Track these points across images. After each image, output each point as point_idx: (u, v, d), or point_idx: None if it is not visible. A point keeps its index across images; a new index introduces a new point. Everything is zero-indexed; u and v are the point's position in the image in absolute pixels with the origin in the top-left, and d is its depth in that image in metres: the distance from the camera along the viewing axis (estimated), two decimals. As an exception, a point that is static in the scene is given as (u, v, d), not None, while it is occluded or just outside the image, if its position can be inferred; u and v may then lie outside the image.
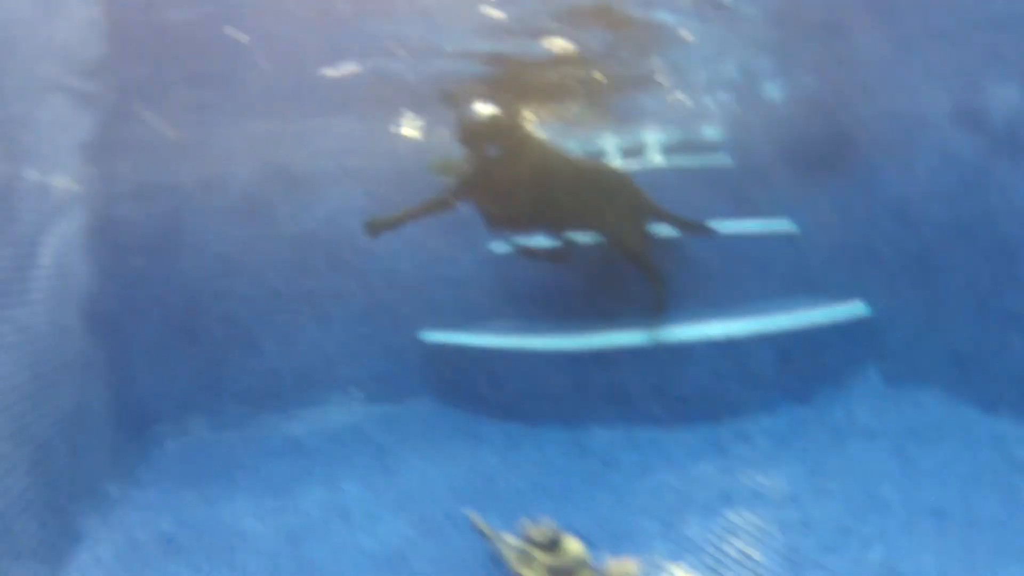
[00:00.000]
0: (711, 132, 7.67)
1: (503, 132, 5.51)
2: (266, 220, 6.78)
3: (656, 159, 7.57)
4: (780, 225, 6.59)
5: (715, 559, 3.67)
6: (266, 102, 6.26)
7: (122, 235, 6.15)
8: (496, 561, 3.67)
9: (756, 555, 3.68)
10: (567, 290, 6.39)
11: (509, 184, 5.52)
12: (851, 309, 5.74)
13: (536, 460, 5.04)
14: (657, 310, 5.49)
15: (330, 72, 5.70)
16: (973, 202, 4.97)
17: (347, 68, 5.66)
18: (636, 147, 7.74)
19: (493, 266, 6.96)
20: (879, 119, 5.76)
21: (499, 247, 6.72)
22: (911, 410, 5.14)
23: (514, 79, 5.87)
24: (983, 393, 4.91)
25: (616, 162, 7.65)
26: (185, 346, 6.44)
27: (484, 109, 5.53)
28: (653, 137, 7.61)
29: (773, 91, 7.16)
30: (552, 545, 3.33)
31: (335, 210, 6.88)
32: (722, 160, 7.43)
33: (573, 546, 3.29)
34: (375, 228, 5.45)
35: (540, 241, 6.23)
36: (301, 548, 4.02)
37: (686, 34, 5.76)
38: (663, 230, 5.91)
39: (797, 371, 5.46)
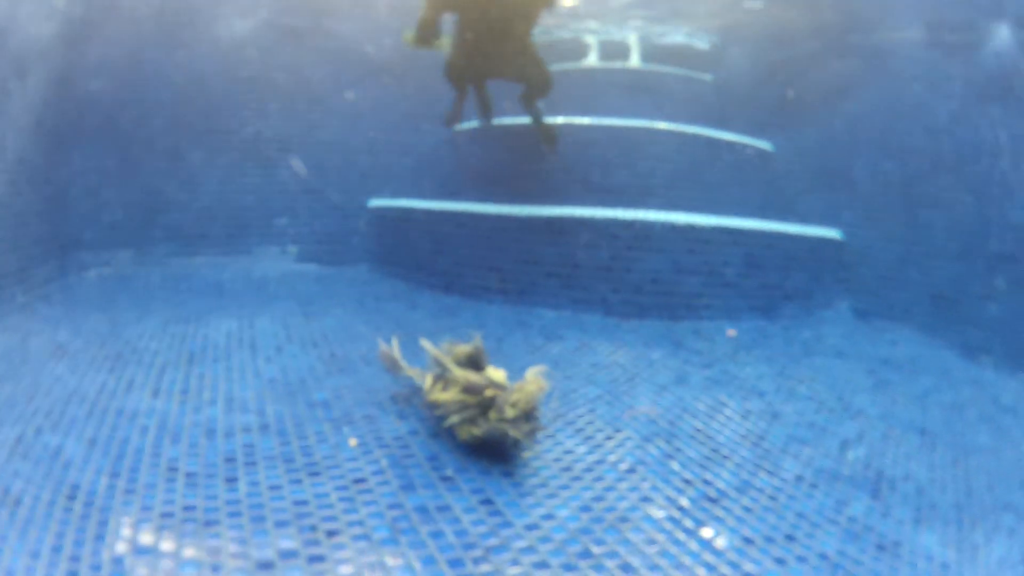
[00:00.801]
0: (699, 42, 7.15)
1: None
2: (233, 61, 6.31)
3: (635, 62, 7.02)
4: (757, 143, 6.08)
5: (667, 432, 3.04)
6: None
7: (84, 53, 5.68)
8: (404, 397, 3.07)
9: (716, 435, 3.07)
10: (530, 171, 5.80)
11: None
12: (824, 231, 5.24)
13: (471, 326, 4.38)
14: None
15: None
16: (962, 137, 4.58)
17: None
18: (621, 48, 7.23)
19: (453, 146, 6.35)
20: (864, 48, 5.44)
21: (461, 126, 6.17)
22: (884, 344, 4.65)
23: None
24: (964, 337, 4.49)
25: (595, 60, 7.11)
26: (126, 176, 5.91)
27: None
28: (635, 39, 7.05)
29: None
30: (471, 362, 2.71)
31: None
32: (702, 74, 6.93)
33: (494, 370, 2.66)
34: (450, 120, 5.89)
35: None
36: (194, 367, 3.44)
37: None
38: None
39: (764, 284, 4.91)
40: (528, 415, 2.47)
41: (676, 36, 6.98)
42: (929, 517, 2.55)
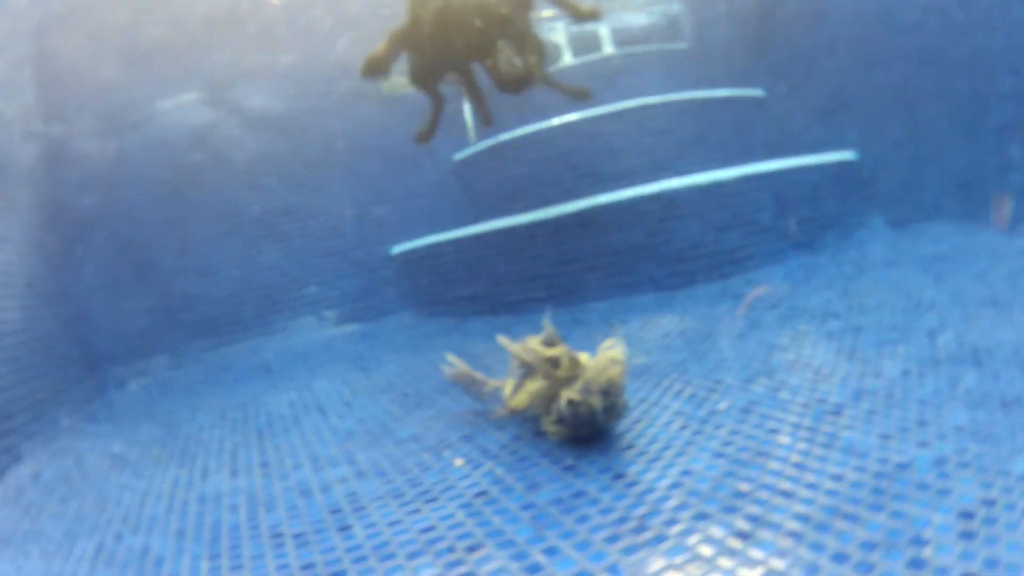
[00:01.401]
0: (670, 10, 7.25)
1: None
2: (215, 144, 6.42)
3: (608, 49, 7.13)
4: (748, 91, 6.17)
5: (764, 370, 3.10)
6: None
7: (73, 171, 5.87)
8: (494, 412, 3.07)
9: (811, 360, 3.14)
10: (538, 181, 5.88)
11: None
12: (839, 155, 5.32)
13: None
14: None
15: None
16: (936, 24, 4.67)
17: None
18: (590, 39, 7.32)
19: (456, 174, 6.44)
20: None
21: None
22: (927, 243, 4.70)
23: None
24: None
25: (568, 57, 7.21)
26: (142, 281, 6.00)
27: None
28: (605, 28, 7.16)
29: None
30: (551, 342, 2.76)
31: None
32: (678, 44, 7.02)
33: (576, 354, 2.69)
34: (421, 136, 5.29)
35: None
36: (266, 441, 3.36)
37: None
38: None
39: (799, 221, 4.98)
40: (608, 390, 2.47)
41: (639, 18, 7.09)
42: (1036, 368, 2.61)
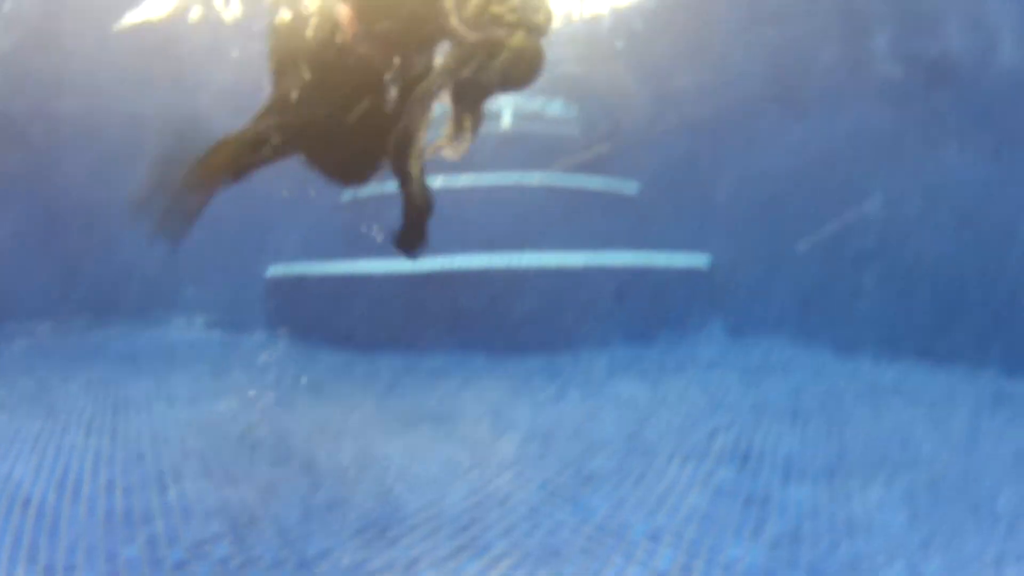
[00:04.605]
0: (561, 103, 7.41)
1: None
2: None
3: (507, 123, 7.24)
4: (623, 185, 6.31)
5: (545, 434, 3.13)
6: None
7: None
8: None
9: (591, 434, 3.18)
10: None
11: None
12: (692, 259, 5.46)
13: (366, 376, 4.60)
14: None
15: None
16: (816, 148, 4.88)
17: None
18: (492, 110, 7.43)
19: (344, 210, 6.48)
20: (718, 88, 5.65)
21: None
22: (757, 353, 4.83)
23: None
24: (837, 337, 4.71)
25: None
26: (43, 248, 6.17)
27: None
28: (508, 103, 7.29)
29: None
30: None
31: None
32: (569, 130, 7.17)
33: None
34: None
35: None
36: (119, 415, 3.73)
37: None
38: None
39: (636, 311, 5.09)
40: None
41: (534, 104, 7.25)
42: (799, 477, 2.66)
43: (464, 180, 5.89)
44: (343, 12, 2.99)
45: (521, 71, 3.20)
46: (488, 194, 5.91)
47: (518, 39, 2.89)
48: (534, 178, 6.04)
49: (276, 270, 6.26)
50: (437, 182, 5.68)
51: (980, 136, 4.71)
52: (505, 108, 7.18)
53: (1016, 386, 3.93)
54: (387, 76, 3.03)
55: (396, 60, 3.02)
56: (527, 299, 4.87)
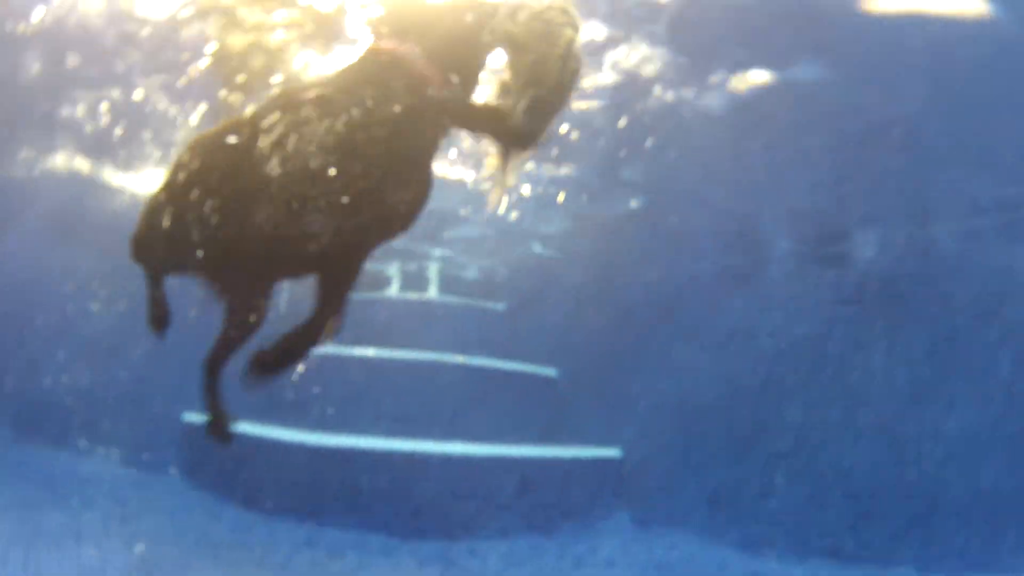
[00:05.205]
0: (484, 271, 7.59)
1: None
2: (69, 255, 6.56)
3: (432, 292, 7.39)
4: (542, 370, 6.39)
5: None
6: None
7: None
8: None
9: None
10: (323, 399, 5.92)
11: None
12: (601, 451, 5.49)
13: (262, 544, 4.58)
14: None
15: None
16: (736, 349, 5.00)
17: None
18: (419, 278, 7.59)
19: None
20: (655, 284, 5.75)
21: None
22: (661, 549, 4.82)
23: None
24: (743, 534, 4.74)
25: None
26: None
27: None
28: (435, 271, 7.46)
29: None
30: None
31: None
32: (494, 305, 7.31)
33: None
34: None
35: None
36: (30, 553, 3.82)
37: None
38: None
39: (539, 502, 5.07)
40: None
41: (471, 271, 7.40)
42: None
43: (382, 353, 5.93)
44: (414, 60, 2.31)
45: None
46: (405, 369, 5.95)
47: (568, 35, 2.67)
48: (455, 358, 6.11)
49: (192, 416, 6.18)
50: (356, 353, 5.74)
51: (911, 339, 4.85)
52: (432, 276, 7.33)
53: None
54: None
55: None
56: (429, 484, 4.88)
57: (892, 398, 4.87)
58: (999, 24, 3.74)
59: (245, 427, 5.35)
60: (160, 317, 3.23)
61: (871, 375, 4.98)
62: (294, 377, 5.69)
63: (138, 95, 5.56)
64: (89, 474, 5.99)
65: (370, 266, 6.89)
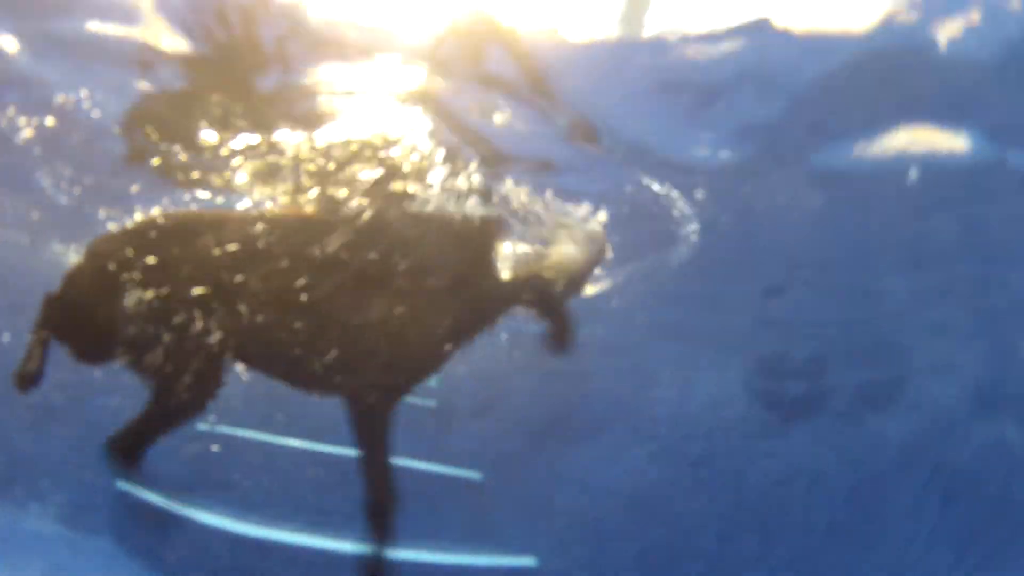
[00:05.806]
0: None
1: None
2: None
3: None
4: (466, 473, 6.46)
5: None
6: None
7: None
8: None
9: None
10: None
11: None
12: (518, 560, 5.55)
13: None
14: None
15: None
16: (656, 473, 5.13)
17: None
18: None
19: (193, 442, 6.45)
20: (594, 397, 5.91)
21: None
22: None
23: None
24: None
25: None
26: None
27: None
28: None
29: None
30: None
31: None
32: (426, 402, 7.37)
33: None
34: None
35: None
36: None
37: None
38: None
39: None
40: None
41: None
42: None
43: (309, 445, 5.96)
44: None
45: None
46: (333, 463, 5.97)
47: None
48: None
49: (124, 484, 6.12)
50: (284, 442, 5.77)
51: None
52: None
53: None
54: None
55: None
56: (343, 582, 4.87)
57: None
58: None
59: (169, 503, 5.36)
60: (29, 375, 3.46)
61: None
62: (222, 458, 5.70)
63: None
64: (28, 532, 6.02)
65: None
